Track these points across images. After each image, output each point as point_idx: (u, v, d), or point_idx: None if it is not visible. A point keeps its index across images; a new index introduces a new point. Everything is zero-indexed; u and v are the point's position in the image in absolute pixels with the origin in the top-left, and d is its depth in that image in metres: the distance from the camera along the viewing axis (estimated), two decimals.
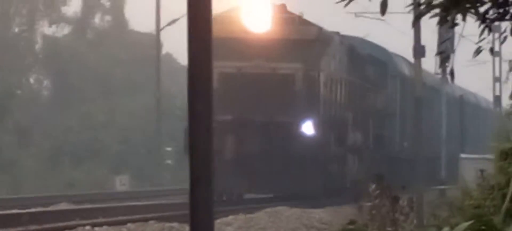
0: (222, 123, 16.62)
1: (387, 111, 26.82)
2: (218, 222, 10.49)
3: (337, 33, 22.12)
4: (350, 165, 22.36)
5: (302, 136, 17.94)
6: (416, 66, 23.48)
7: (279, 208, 15.49)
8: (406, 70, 28.92)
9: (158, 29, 40.04)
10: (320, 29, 19.40)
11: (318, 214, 16.19)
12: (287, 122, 17.90)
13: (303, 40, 18.54)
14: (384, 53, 27.92)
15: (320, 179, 19.03)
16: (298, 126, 17.99)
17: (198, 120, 2.11)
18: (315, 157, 18.33)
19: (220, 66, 16.91)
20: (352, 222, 8.91)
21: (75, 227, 10.27)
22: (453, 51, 8.38)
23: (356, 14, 31.79)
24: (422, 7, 4.42)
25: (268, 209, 15.11)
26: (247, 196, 19.56)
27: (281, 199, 17.68)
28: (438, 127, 29.82)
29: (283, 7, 18.86)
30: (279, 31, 18.34)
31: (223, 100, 16.70)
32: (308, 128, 17.97)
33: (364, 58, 24.98)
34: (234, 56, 17.93)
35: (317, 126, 18.33)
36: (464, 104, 33.16)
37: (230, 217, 13.72)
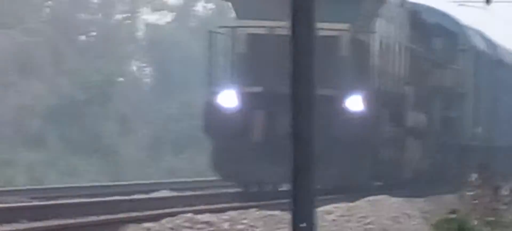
0: (250, 96, 15.58)
1: (457, 91, 24.07)
2: (318, 211, 10.39)
3: None
4: (411, 152, 19.55)
5: (349, 113, 15.30)
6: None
7: (380, 196, 14.88)
8: (482, 46, 26.10)
9: None
10: None
11: (420, 203, 15.68)
12: (330, 96, 14.84)
13: None
14: (455, 24, 24.95)
15: (371, 168, 16.48)
16: (344, 100, 15.44)
17: (300, 108, 2.21)
18: (365, 141, 15.62)
19: (248, 26, 15.90)
20: (453, 212, 8.84)
21: (176, 214, 10.55)
22: None
23: (459, 3, 30.23)
24: None
25: (370, 198, 14.47)
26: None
27: (325, 192, 15.45)
28: None
29: None
30: None
31: (252, 68, 15.66)
32: (356, 103, 15.42)
33: (430, 27, 22.44)
34: (264, 14, 15.57)
35: (368, 102, 15.62)
36: None
37: (331, 205, 13.30)
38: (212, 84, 17.13)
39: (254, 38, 15.77)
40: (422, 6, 23.71)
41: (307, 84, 2.06)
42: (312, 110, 2.04)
